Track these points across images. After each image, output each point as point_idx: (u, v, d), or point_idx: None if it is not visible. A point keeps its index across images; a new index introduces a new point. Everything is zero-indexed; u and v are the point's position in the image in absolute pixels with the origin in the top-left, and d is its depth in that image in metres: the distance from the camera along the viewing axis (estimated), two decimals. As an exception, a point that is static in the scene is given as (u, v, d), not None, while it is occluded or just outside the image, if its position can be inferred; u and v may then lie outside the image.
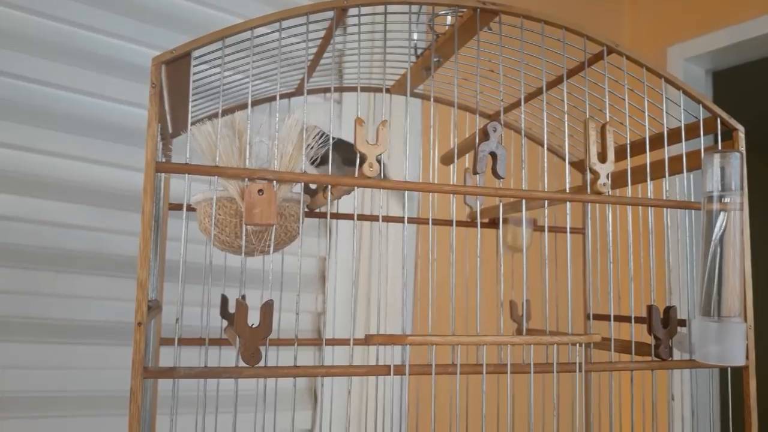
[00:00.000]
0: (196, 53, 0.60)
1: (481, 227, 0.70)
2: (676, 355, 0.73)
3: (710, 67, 2.09)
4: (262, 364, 0.57)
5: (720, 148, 0.76)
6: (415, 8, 0.71)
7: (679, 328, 0.73)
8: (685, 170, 0.76)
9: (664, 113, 0.76)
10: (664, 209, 0.75)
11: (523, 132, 0.71)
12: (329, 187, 0.65)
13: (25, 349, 1.10)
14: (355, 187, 0.63)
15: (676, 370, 0.75)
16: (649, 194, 0.76)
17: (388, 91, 0.94)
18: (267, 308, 0.57)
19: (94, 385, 1.15)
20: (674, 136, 0.77)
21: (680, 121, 0.76)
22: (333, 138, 0.67)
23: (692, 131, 0.77)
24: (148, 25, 1.25)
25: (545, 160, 0.71)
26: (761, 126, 3.42)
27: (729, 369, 0.72)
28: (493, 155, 0.66)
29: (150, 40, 1.24)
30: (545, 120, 0.71)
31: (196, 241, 0.73)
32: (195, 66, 0.62)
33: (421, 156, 1.46)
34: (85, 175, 1.17)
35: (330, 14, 0.67)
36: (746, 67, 2.08)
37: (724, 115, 0.76)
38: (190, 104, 0.63)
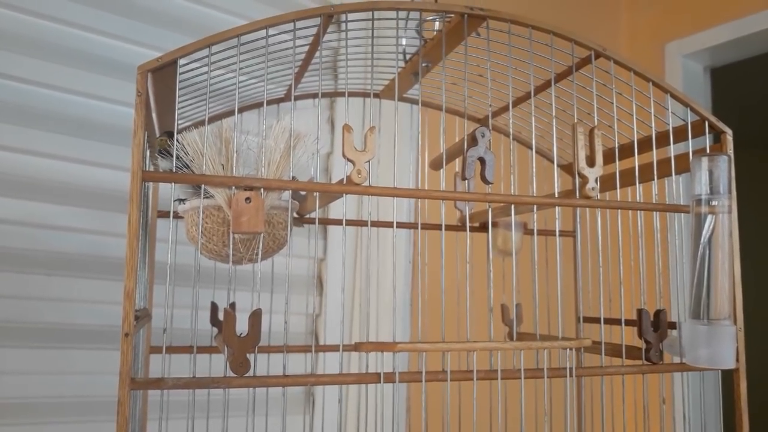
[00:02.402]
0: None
1: (471, 231, 0.70)
2: (668, 358, 0.73)
3: (709, 64, 2.07)
4: (251, 373, 0.56)
5: (708, 150, 0.76)
6: (402, 14, 0.70)
7: (670, 331, 0.73)
8: (673, 173, 0.76)
9: (652, 116, 0.76)
10: (653, 212, 0.75)
11: (511, 136, 0.71)
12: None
13: (18, 354, 1.09)
14: (344, 194, 0.63)
15: (669, 374, 0.75)
16: (638, 197, 0.76)
17: (377, 96, 0.94)
18: (255, 317, 0.57)
19: (89, 390, 1.14)
20: (663, 140, 0.78)
21: (670, 125, 0.77)
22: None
23: (681, 134, 0.77)
24: (144, 24, 1.24)
25: (534, 163, 0.71)
26: (760, 123, 3.42)
27: (720, 372, 0.72)
28: (482, 160, 0.66)
29: (145, 40, 1.23)
30: (533, 124, 0.71)
31: (185, 242, 0.72)
32: (182, 66, 0.61)
33: (411, 161, 1.45)
34: (78, 177, 1.16)
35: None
36: (745, 63, 2.06)
37: (712, 119, 0.76)
38: (178, 108, 0.63)
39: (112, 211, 1.18)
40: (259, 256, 0.61)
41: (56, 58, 1.16)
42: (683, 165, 0.76)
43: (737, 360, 0.71)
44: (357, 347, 0.60)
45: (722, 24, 1.93)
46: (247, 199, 0.58)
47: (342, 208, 1.22)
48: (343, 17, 0.67)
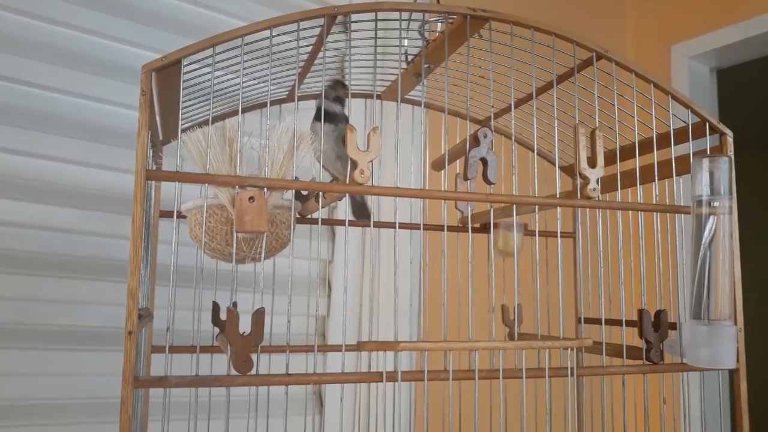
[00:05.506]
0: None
1: (472, 232, 0.71)
2: (668, 358, 0.73)
3: (715, 65, 2.07)
4: (253, 372, 0.57)
5: (709, 152, 0.77)
6: (405, 15, 0.71)
7: (670, 332, 0.73)
8: (674, 174, 0.76)
9: (653, 118, 0.76)
10: (654, 213, 0.75)
11: (513, 137, 0.71)
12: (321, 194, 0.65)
13: (27, 355, 1.09)
14: (347, 194, 0.63)
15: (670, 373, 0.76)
16: (639, 198, 0.76)
17: (379, 97, 0.94)
18: (259, 316, 0.57)
19: (96, 391, 1.14)
20: (664, 141, 0.78)
21: (671, 126, 0.77)
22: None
23: (682, 136, 0.77)
24: (148, 27, 1.25)
25: (535, 165, 0.71)
26: (767, 124, 3.39)
27: (720, 372, 0.73)
28: (484, 161, 0.66)
29: (150, 43, 1.23)
30: (535, 125, 0.71)
31: (187, 243, 0.72)
32: (186, 66, 0.62)
33: (412, 162, 1.45)
34: (85, 180, 1.17)
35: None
36: (752, 64, 2.06)
37: (713, 120, 0.76)
38: (181, 109, 0.63)
39: (116, 213, 1.18)
40: (263, 255, 0.61)
41: (60, 61, 1.16)
42: (684, 166, 0.76)
43: (737, 360, 0.71)
44: (360, 347, 0.61)
45: (729, 25, 1.92)
46: (251, 198, 0.58)
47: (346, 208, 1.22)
48: (345, 18, 0.67)
